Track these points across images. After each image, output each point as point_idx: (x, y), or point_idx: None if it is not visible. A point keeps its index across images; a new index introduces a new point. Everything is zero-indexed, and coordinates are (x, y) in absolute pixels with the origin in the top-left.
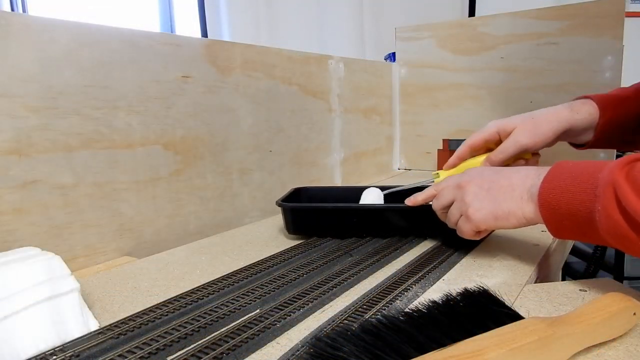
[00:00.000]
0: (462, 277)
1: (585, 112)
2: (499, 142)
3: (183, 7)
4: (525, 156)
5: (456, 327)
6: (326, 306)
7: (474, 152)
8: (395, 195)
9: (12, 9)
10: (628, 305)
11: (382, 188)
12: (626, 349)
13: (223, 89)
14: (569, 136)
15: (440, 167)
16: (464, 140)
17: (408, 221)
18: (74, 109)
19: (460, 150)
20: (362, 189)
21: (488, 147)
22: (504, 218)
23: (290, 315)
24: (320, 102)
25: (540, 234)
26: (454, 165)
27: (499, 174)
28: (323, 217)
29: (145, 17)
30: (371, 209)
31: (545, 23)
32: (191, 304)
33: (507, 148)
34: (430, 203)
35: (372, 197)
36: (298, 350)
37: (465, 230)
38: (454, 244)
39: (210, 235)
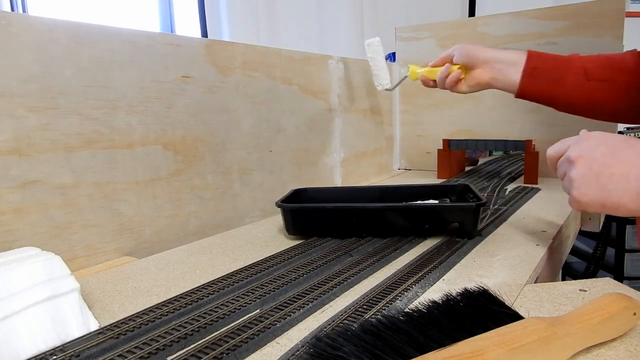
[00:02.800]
0: (462, 277)
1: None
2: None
3: (183, 7)
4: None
5: (456, 327)
6: (326, 306)
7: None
8: (394, 194)
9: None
10: (628, 305)
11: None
12: (626, 349)
13: (223, 89)
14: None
15: (441, 168)
16: (465, 140)
17: (408, 221)
18: (74, 109)
19: (435, 62)
20: (362, 189)
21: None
22: (613, 208)
23: (290, 315)
24: (320, 102)
25: (541, 234)
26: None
27: (614, 156)
28: (323, 218)
29: (145, 17)
30: (371, 209)
31: (545, 23)
32: (191, 304)
33: (461, 87)
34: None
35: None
36: (298, 350)
37: (573, 206)
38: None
39: (210, 235)
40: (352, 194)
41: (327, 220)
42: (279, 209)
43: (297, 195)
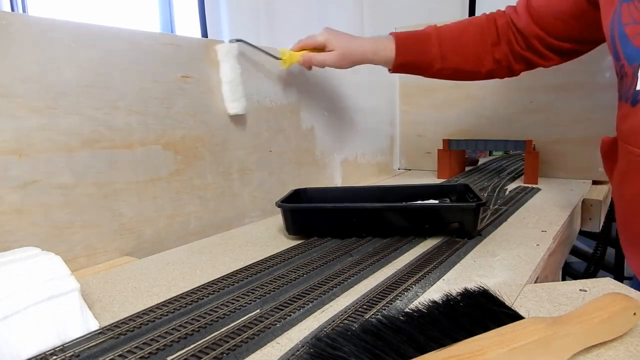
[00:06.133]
0: (462, 277)
1: (383, 56)
2: (322, 46)
3: (183, 7)
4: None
5: (456, 327)
6: (326, 306)
7: (303, 49)
8: (394, 194)
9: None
10: (628, 305)
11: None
12: (626, 349)
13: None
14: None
15: (441, 168)
16: (465, 140)
17: (408, 221)
18: (74, 109)
19: (300, 44)
20: (362, 189)
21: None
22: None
23: (290, 315)
24: (320, 102)
25: (541, 234)
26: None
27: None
28: (323, 218)
29: (145, 17)
30: (371, 209)
31: None
32: (191, 304)
33: (320, 61)
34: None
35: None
36: (298, 350)
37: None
38: (456, 241)
39: (210, 235)
40: (352, 194)
41: (327, 220)
42: (279, 209)
43: (297, 195)
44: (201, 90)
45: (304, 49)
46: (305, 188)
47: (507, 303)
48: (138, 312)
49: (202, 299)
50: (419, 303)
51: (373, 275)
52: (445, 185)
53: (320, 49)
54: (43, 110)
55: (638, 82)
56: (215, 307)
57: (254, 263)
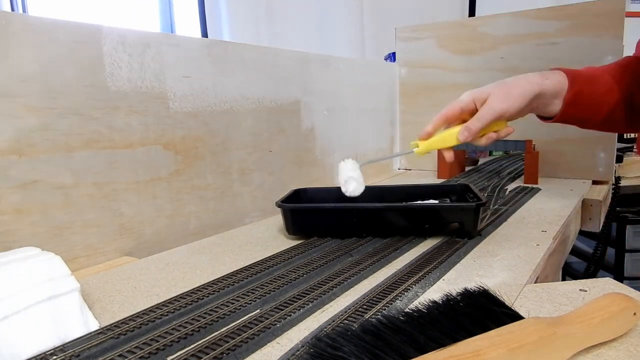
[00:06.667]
0: (462, 277)
1: (555, 80)
2: (474, 111)
3: (183, 7)
4: (499, 126)
5: (456, 327)
6: (326, 306)
7: (450, 122)
8: (394, 194)
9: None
10: (628, 305)
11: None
12: (626, 349)
13: (223, 89)
14: (540, 102)
15: (441, 168)
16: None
17: (408, 221)
18: (74, 109)
19: (435, 119)
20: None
21: (463, 118)
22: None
23: (290, 315)
24: (320, 102)
25: (541, 234)
26: (430, 135)
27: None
28: (323, 218)
29: (145, 17)
30: (371, 209)
31: (545, 23)
32: (191, 304)
33: (483, 115)
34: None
35: (348, 168)
36: (298, 350)
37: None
38: (455, 241)
39: (210, 235)
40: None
41: (327, 220)
42: (279, 209)
43: (297, 195)
44: (201, 90)
45: (448, 123)
46: (305, 188)
47: (507, 303)
48: (138, 312)
49: (202, 299)
50: (419, 303)
51: (373, 275)
52: (445, 185)
53: (469, 112)
54: (43, 110)
55: None
56: (215, 307)
57: (254, 263)
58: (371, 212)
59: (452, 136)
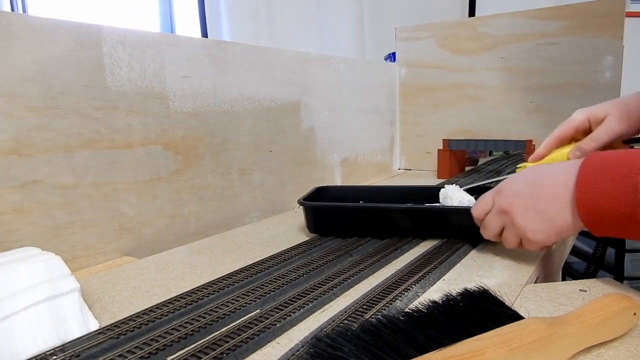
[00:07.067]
0: (462, 277)
1: None
2: (588, 130)
3: (183, 7)
4: (614, 145)
5: (456, 327)
6: (326, 306)
7: (562, 143)
8: (421, 196)
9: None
10: (628, 305)
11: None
12: (626, 349)
13: (223, 89)
14: None
15: (441, 168)
16: (465, 140)
17: (436, 223)
18: (74, 109)
19: (548, 140)
20: (386, 189)
21: (575, 137)
22: (567, 230)
23: (290, 315)
24: (320, 102)
25: None
26: (541, 157)
27: (535, 187)
28: (345, 217)
29: (145, 17)
30: (399, 210)
31: (545, 23)
32: (191, 304)
33: (599, 136)
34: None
35: (457, 196)
36: (298, 350)
37: (533, 249)
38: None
39: (210, 235)
40: (377, 194)
41: (349, 219)
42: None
43: (318, 194)
44: (201, 90)
45: (562, 144)
46: (327, 186)
47: (507, 303)
48: (138, 312)
49: (202, 299)
50: (419, 303)
51: (373, 275)
52: (472, 188)
53: (582, 132)
54: (43, 110)
55: None
56: (215, 307)
57: (253, 263)
58: (397, 213)
59: (563, 157)
